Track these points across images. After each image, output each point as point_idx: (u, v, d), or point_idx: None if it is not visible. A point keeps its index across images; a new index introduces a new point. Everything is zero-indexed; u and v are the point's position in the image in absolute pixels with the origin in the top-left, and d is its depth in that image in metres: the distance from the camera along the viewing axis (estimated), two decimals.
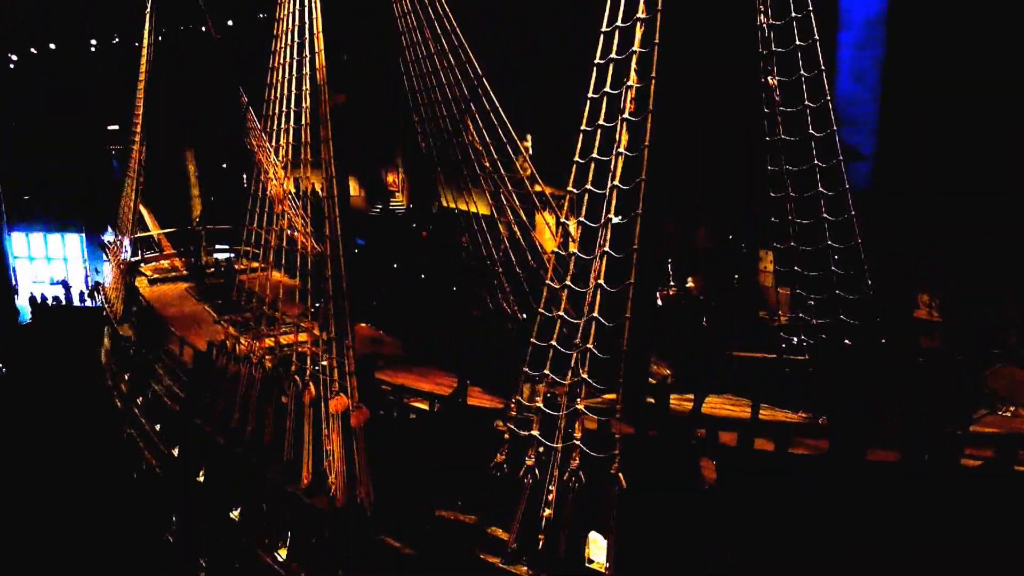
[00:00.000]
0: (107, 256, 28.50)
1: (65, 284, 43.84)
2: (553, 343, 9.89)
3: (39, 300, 41.47)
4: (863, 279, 11.06)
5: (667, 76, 9.31)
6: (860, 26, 22.48)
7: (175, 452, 17.70)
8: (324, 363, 13.37)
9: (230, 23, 36.43)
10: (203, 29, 25.97)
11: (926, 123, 19.82)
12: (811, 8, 10.54)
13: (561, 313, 9.91)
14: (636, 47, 9.49)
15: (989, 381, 10.65)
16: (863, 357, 11.03)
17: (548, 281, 10.24)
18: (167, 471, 17.93)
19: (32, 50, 43.32)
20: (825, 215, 11.14)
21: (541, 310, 10.14)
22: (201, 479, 16.42)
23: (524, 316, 15.74)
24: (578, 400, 9.63)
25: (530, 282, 15.53)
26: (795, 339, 11.94)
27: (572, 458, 9.59)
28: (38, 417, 26.70)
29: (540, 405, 9.99)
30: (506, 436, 10.34)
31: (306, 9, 14.52)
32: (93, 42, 42.15)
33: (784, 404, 11.20)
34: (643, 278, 9.41)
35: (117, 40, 40.96)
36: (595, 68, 9.85)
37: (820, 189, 11.07)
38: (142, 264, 26.25)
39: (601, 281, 9.51)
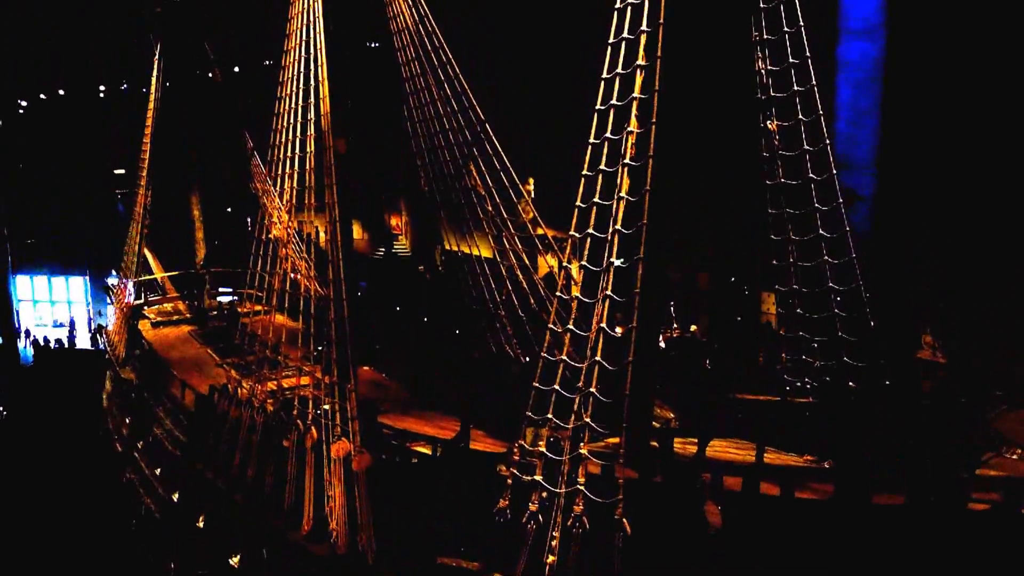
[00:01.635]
0: (111, 299, 28.60)
1: (72, 323, 43.95)
2: (556, 387, 9.86)
3: (41, 342, 41.50)
4: (866, 321, 11.07)
5: (667, 121, 9.43)
6: (858, 70, 22.78)
7: (175, 497, 17.56)
8: (326, 407, 13.33)
9: (236, 69, 37.03)
10: (210, 76, 26.38)
11: (925, 164, 19.97)
12: (809, 54, 10.70)
13: (564, 357, 9.91)
14: (636, 93, 9.62)
15: (994, 423, 10.58)
16: (867, 399, 10.98)
17: (550, 325, 10.25)
18: (166, 516, 17.77)
19: (41, 96, 43.93)
20: (826, 257, 11.18)
21: (544, 353, 10.13)
22: (201, 524, 16.27)
23: (527, 359, 15.73)
24: (581, 444, 9.58)
25: (532, 325, 15.54)
26: (799, 381, 11.90)
27: (576, 503, 9.50)
28: (38, 461, 26.54)
29: (543, 449, 9.93)
30: (509, 481, 10.26)
31: (311, 57, 14.77)
32: (102, 88, 42.78)
33: (789, 447, 11.13)
34: (645, 321, 9.42)
35: (125, 86, 41.57)
36: (596, 114, 9.97)
37: (821, 232, 11.13)
38: (145, 307, 26.31)
39: (603, 324, 9.51)
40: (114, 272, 28.02)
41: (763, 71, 11.16)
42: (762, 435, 10.44)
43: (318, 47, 14.70)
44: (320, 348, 13.77)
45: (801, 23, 10.57)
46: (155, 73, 25.66)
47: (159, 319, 25.43)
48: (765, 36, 10.90)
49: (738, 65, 11.50)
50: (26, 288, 46.09)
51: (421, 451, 12.82)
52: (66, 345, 42.21)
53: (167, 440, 18.51)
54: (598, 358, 9.50)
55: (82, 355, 40.29)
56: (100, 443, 24.40)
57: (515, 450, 10.30)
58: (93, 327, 42.86)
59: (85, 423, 27.37)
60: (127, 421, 22.32)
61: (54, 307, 46.13)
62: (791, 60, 10.80)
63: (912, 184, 20.50)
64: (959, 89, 18.93)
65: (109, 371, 26.51)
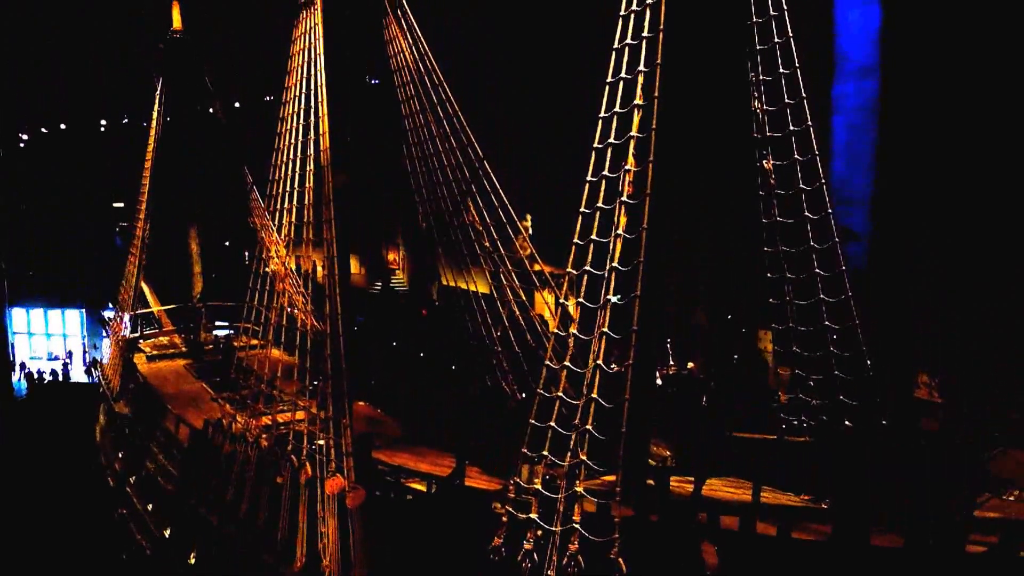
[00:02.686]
0: (107, 332, 28.52)
1: (69, 355, 43.82)
2: (552, 424, 9.82)
3: (36, 376, 41.30)
4: (862, 359, 11.05)
5: (665, 160, 9.50)
6: (853, 110, 23.01)
7: (166, 533, 17.36)
8: (321, 442, 13.25)
9: (237, 104, 37.36)
10: (211, 111, 26.60)
11: (921, 203, 20.09)
12: (805, 95, 10.82)
13: (560, 394, 9.87)
14: (634, 132, 9.71)
15: (992, 464, 10.53)
16: (864, 439, 10.93)
17: (547, 361, 10.23)
18: (158, 552, 17.55)
19: (43, 129, 44.25)
20: (822, 296, 11.20)
21: (540, 390, 10.10)
22: (192, 561, 16.07)
23: (523, 396, 15.67)
24: (577, 482, 9.51)
25: (529, 361, 15.51)
26: (795, 420, 11.85)
27: (571, 542, 9.41)
28: (29, 496, 26.25)
29: (539, 487, 9.86)
30: (504, 519, 10.17)
31: (312, 92, 14.91)
32: (103, 122, 43.11)
33: (786, 486, 11.05)
34: (642, 359, 9.41)
35: (126, 120, 41.90)
36: (594, 152, 10.05)
37: (817, 270, 11.16)
38: (141, 340, 26.24)
39: (600, 361, 9.50)
40: (111, 305, 27.97)
41: (760, 111, 11.28)
42: (759, 474, 10.37)
43: (319, 83, 14.85)
44: (316, 383, 13.72)
45: (797, 64, 10.70)
46: (156, 107, 25.88)
47: (154, 353, 25.35)
48: (762, 76, 11.03)
49: (735, 105, 11.63)
50: (22, 321, 45.97)
51: (416, 488, 12.72)
52: (60, 378, 41.98)
53: (160, 475, 18.35)
54: (594, 395, 9.47)
55: (76, 389, 40.08)
56: (93, 478, 24.15)
57: (510, 487, 10.22)
58: (88, 360, 42.70)
59: (78, 457, 27.12)
60: (120, 456, 22.14)
61: (49, 340, 45.97)
62: (787, 100, 10.92)
63: (908, 223, 20.61)
64: (954, 129, 19.12)
65: (103, 405, 26.36)
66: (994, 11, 18.22)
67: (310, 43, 15.24)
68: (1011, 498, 10.04)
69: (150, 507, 18.63)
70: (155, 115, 25.86)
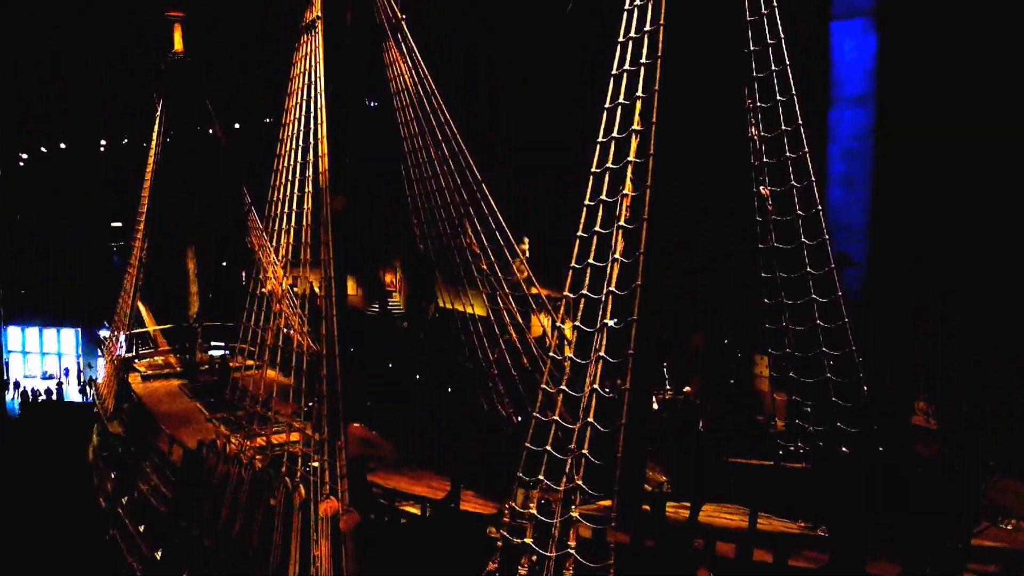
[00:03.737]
0: (102, 352, 28.44)
1: (65, 373, 43.67)
2: (548, 448, 9.78)
3: (31, 394, 41.12)
4: (859, 385, 11.04)
5: (662, 185, 9.54)
6: (849, 137, 23.17)
7: (158, 555, 17.22)
8: (315, 464, 13.18)
9: (236, 126, 37.51)
10: (211, 132, 26.71)
11: (917, 229, 20.17)
12: (801, 122, 10.88)
13: (556, 418, 9.84)
14: (632, 157, 9.76)
15: (989, 493, 10.49)
16: (861, 465, 10.89)
17: (543, 385, 10.21)
18: (149, 574, 17.39)
19: (42, 149, 44.37)
20: (819, 322, 11.20)
21: (536, 414, 10.07)
22: None
23: (519, 419, 15.62)
24: (572, 507, 9.45)
25: (525, 384, 15.47)
26: (792, 446, 11.81)
27: (566, 567, 9.34)
28: (21, 516, 26.03)
29: (534, 511, 9.80)
30: (499, 543, 10.10)
31: (311, 115, 14.98)
32: (103, 142, 43.26)
33: (783, 513, 10.99)
34: (639, 383, 9.39)
35: (126, 140, 42.04)
36: (592, 176, 10.10)
37: (813, 296, 11.17)
38: (136, 360, 26.15)
39: (596, 385, 9.48)
40: (107, 324, 27.91)
41: (756, 137, 11.34)
42: (756, 500, 10.32)
43: (319, 106, 14.93)
44: (311, 404, 13.67)
45: (793, 92, 10.78)
46: (156, 127, 26.00)
47: (149, 372, 25.26)
48: (759, 103, 11.10)
49: (732, 131, 11.69)
50: (17, 339, 45.86)
51: (410, 511, 12.64)
52: (55, 398, 41.81)
53: (152, 496, 18.22)
54: (591, 419, 9.44)
55: (70, 408, 39.89)
56: (84, 498, 23.97)
57: (505, 512, 10.16)
58: (83, 379, 42.54)
59: (70, 478, 26.93)
60: (112, 476, 22.00)
61: (44, 359, 45.84)
62: (784, 127, 10.99)
63: (904, 248, 20.68)
64: (949, 156, 19.25)
65: (96, 425, 26.22)
66: (987, 41, 18.40)
67: (310, 66, 15.33)
68: (1008, 527, 10.00)
69: (142, 528, 18.49)
70: (155, 135, 25.97)
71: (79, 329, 44.75)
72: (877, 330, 17.35)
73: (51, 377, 44.34)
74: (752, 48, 10.85)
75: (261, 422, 15.21)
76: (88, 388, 39.17)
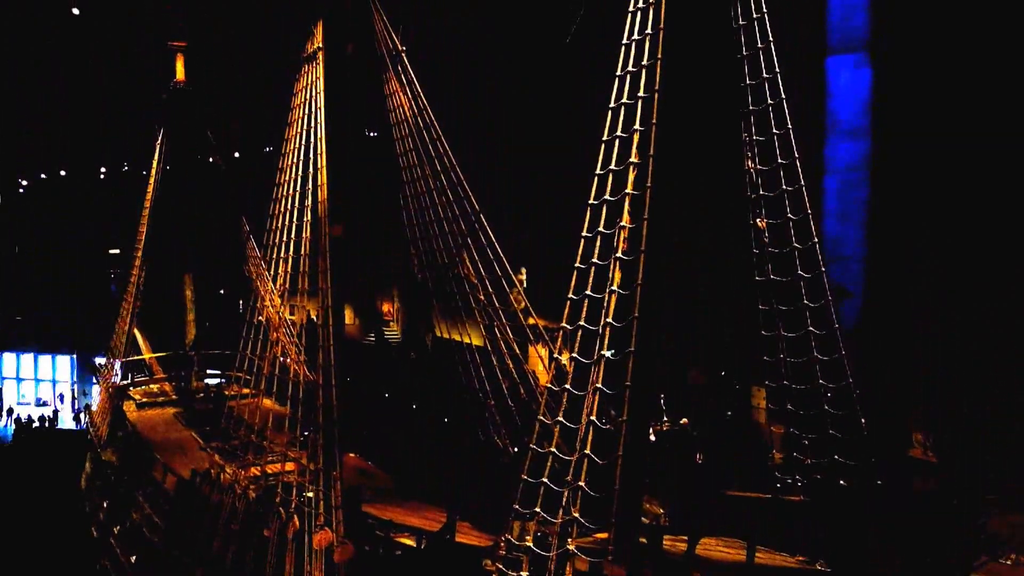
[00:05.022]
0: (97, 379, 28.34)
1: (60, 398, 43.46)
2: (544, 480, 9.72)
3: (24, 421, 40.88)
4: (857, 418, 11.00)
5: (659, 217, 9.59)
6: (845, 169, 23.31)
7: None
8: (309, 494, 13.09)
9: (236, 155, 37.71)
10: (211, 160, 26.85)
11: (913, 260, 20.23)
12: (797, 155, 10.96)
13: (553, 449, 9.80)
14: (629, 189, 9.82)
15: (987, 527, 10.43)
16: (859, 499, 10.83)
17: (540, 416, 10.17)
18: None
19: (42, 175, 44.53)
20: (816, 354, 11.20)
21: (533, 445, 10.02)
22: None
23: (515, 450, 15.54)
24: (569, 540, 9.38)
25: (522, 415, 15.41)
26: (790, 479, 11.75)
27: None
28: (11, 545, 25.73)
29: (530, 544, 9.72)
30: None
31: (311, 144, 15.08)
32: (103, 169, 43.44)
33: (781, 546, 10.91)
34: (636, 415, 9.37)
35: (126, 168, 42.22)
36: (589, 207, 10.15)
37: (810, 328, 11.18)
38: (131, 388, 26.04)
39: (594, 417, 9.45)
40: (103, 351, 27.84)
41: (753, 170, 11.41)
42: (754, 534, 10.26)
43: (319, 136, 15.03)
44: (306, 433, 13.61)
45: (789, 125, 10.87)
46: (157, 155, 26.13)
47: (144, 400, 25.15)
48: (755, 136, 11.18)
49: (729, 164, 11.77)
50: (11, 366, 45.68)
51: (405, 543, 12.52)
52: (48, 425, 41.54)
53: (145, 525, 18.05)
54: (588, 451, 9.40)
55: (63, 435, 39.61)
56: (76, 527, 23.72)
57: (502, 544, 10.08)
58: (77, 407, 42.31)
59: (62, 506, 26.68)
60: (104, 505, 21.81)
61: (39, 385, 45.61)
62: (780, 160, 11.06)
63: (900, 280, 20.73)
64: (944, 187, 19.37)
65: (89, 453, 26.04)
66: (979, 74, 18.61)
67: (311, 96, 15.46)
68: (1008, 562, 9.94)
69: (134, 559, 18.30)
70: (155, 163, 26.10)
71: (74, 356, 44.59)
72: (874, 361, 17.34)
73: (45, 404, 44.08)
74: (749, 82, 10.97)
75: (256, 451, 15.13)
76: (82, 415, 38.95)
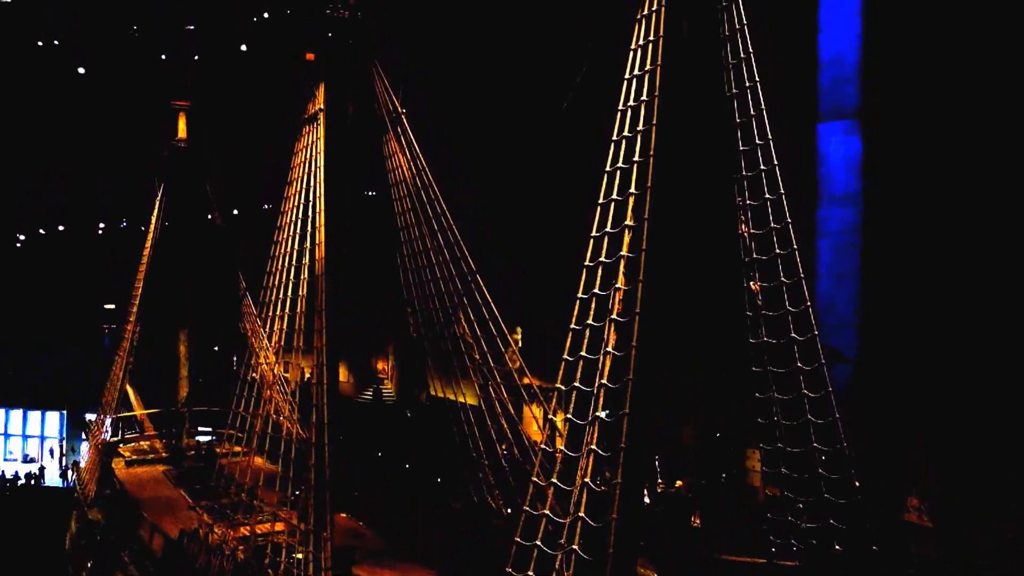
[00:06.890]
0: (87, 435, 28.06)
1: (51, 452, 42.89)
2: (538, 542, 9.62)
3: (9, 478, 40.30)
4: (851, 482, 10.95)
5: (654, 280, 9.69)
6: (838, 234, 23.57)
7: None
8: (299, 556, 12.90)
9: (235, 212, 38.02)
10: (210, 217, 27.08)
11: (907, 324, 20.33)
12: (790, 219, 11.12)
13: (547, 511, 9.71)
14: (624, 251, 9.94)
15: None
16: (854, 564, 10.72)
17: (534, 478, 10.12)
18: None
19: (40, 231, 44.74)
20: (810, 417, 11.19)
21: (526, 507, 9.94)
22: None
23: (509, 512, 15.38)
24: None
25: (516, 476, 15.29)
26: (784, 542, 11.63)
27: None
28: None
29: None
30: None
31: (310, 203, 15.25)
32: (101, 225, 43.69)
33: None
34: (630, 476, 9.32)
35: (125, 224, 42.47)
36: (584, 269, 10.25)
37: (804, 391, 11.19)
38: (121, 444, 25.78)
39: (588, 479, 9.40)
40: (94, 407, 27.62)
41: (747, 234, 11.56)
42: None
43: (318, 195, 15.21)
44: (297, 492, 13.47)
45: (782, 190, 11.06)
46: (155, 212, 26.34)
47: (134, 457, 24.89)
48: (748, 201, 11.36)
49: (723, 228, 11.93)
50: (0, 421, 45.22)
51: None
52: (34, 482, 40.91)
53: None
54: (581, 513, 9.33)
55: (49, 493, 39.00)
56: None
57: None
58: (65, 463, 41.77)
59: (44, 567, 26.14)
60: (89, 566, 21.39)
61: (26, 442, 45.05)
62: (773, 224, 11.22)
63: (895, 344, 20.79)
64: (937, 251, 19.58)
65: (75, 511, 25.63)
66: (968, 143, 18.99)
67: (312, 156, 15.69)
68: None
69: None
70: (154, 220, 26.29)
71: (65, 412, 44.17)
72: (868, 424, 17.31)
73: (32, 460, 43.48)
74: (742, 148, 11.19)
75: (246, 511, 14.94)
76: (70, 472, 38.42)
